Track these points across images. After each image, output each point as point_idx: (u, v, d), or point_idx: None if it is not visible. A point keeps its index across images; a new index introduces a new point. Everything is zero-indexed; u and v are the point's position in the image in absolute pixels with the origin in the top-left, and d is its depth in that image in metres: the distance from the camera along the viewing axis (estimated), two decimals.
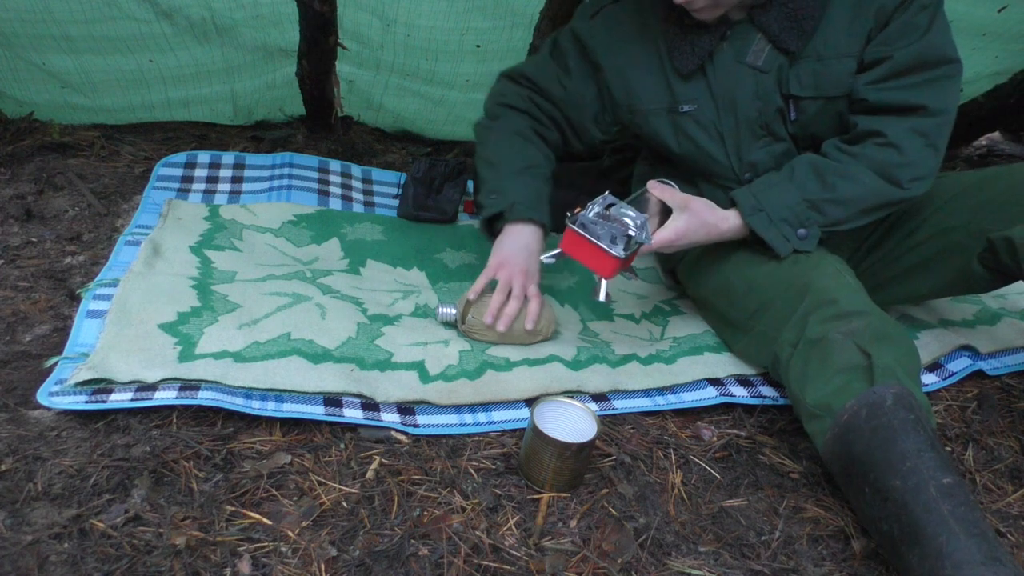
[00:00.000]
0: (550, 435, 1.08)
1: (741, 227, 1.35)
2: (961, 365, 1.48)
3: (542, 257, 1.36)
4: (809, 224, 1.32)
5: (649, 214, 1.34)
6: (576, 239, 1.26)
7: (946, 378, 1.46)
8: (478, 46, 2.04)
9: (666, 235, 1.31)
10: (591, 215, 1.26)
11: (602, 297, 1.29)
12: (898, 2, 1.26)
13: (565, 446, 1.08)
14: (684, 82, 1.39)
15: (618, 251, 1.24)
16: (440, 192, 1.87)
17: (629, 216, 1.27)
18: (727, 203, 1.39)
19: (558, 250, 1.30)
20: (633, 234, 1.25)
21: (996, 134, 2.82)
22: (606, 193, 1.30)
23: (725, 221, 1.35)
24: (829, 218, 1.32)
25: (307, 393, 1.20)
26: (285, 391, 1.20)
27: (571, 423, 1.13)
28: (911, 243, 1.42)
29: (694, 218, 1.32)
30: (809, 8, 1.28)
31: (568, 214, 1.29)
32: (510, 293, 1.38)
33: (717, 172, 1.46)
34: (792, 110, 1.37)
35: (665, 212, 1.35)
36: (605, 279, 1.29)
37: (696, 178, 1.51)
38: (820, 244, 1.36)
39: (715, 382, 1.37)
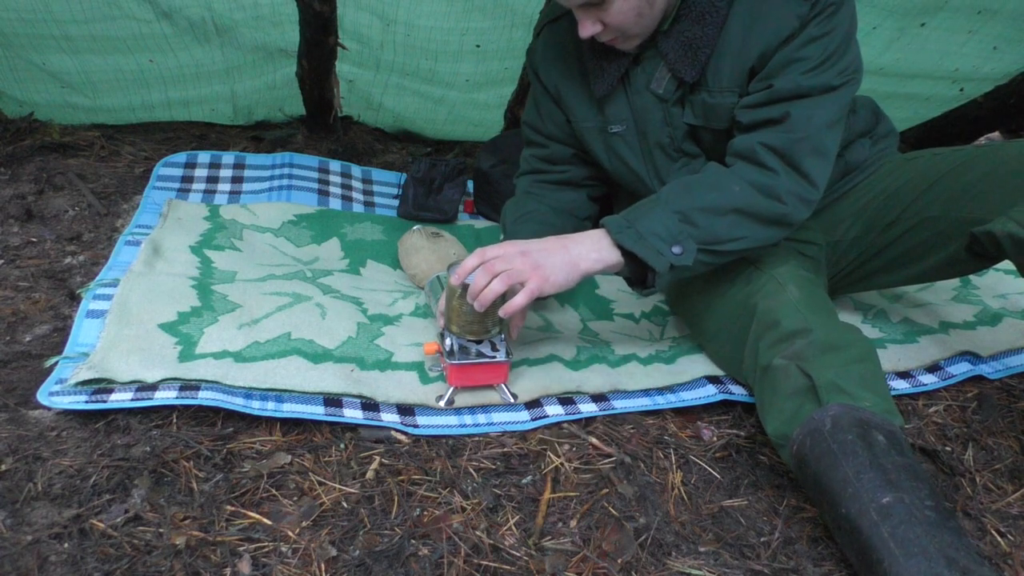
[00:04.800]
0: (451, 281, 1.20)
1: (604, 246, 1.22)
2: (961, 369, 1.48)
3: (439, 402, 1.25)
4: (683, 238, 1.20)
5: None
6: (461, 370, 1.24)
7: (945, 379, 1.46)
8: (478, 46, 2.04)
9: (518, 300, 1.20)
10: (455, 343, 1.25)
11: (444, 404, 1.25)
12: (782, 39, 1.22)
13: (462, 287, 1.19)
14: (609, 103, 1.39)
15: (503, 355, 1.25)
16: (440, 192, 1.88)
17: None
18: None
19: (451, 389, 1.25)
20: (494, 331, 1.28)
21: (996, 134, 2.82)
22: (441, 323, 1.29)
23: (576, 243, 1.23)
24: (703, 230, 1.21)
25: (307, 393, 1.20)
26: (285, 391, 1.20)
27: None
28: (894, 234, 1.42)
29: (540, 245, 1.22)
30: (703, 38, 1.25)
31: (438, 353, 1.28)
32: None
33: (645, 194, 1.44)
34: (695, 136, 1.37)
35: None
36: (503, 383, 1.28)
37: (634, 196, 1.51)
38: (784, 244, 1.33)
39: (714, 380, 1.37)
